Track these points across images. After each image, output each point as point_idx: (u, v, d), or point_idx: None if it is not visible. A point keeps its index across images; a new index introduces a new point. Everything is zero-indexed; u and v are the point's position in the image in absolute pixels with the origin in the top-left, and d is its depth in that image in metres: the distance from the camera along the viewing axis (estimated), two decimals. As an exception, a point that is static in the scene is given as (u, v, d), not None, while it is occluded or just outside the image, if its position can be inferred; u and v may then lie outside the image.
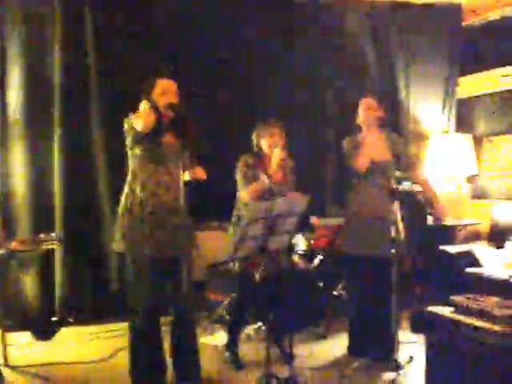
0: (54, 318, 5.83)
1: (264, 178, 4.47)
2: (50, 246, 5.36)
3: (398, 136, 4.85)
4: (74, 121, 5.90)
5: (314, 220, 5.97)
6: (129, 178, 4.02)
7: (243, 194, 4.60)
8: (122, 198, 4.01)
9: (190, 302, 4.14)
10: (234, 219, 4.71)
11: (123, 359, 4.33)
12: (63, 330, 5.66)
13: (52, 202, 5.89)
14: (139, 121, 3.77)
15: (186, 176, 4.20)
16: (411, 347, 4.81)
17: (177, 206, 3.93)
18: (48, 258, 5.80)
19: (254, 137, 4.78)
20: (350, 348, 4.81)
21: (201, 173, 4.22)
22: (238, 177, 4.65)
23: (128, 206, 3.95)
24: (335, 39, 7.11)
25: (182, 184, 4.05)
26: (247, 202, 4.55)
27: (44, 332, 5.56)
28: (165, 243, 3.94)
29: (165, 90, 3.94)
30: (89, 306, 5.98)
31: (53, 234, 5.24)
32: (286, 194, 4.67)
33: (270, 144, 4.64)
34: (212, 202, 5.37)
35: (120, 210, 4.00)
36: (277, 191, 4.62)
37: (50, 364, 4.82)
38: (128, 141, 3.97)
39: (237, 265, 4.64)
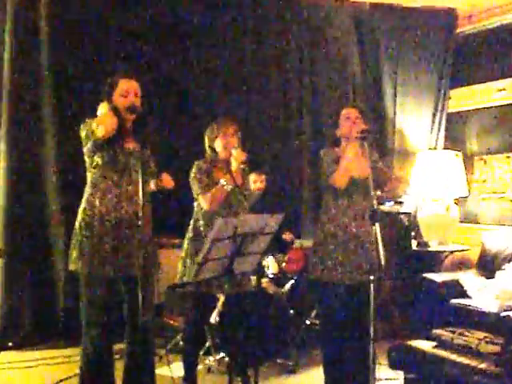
0: (-9, 342, 5.76)
1: (223, 183, 4.40)
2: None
3: (374, 152, 4.82)
4: (22, 127, 5.88)
5: (286, 236, 5.97)
6: (87, 189, 3.98)
7: (202, 202, 4.52)
8: (79, 212, 3.96)
9: (149, 327, 4.10)
10: (191, 232, 4.63)
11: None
12: (2, 354, 5.58)
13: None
14: (101, 125, 3.75)
15: (152, 185, 4.17)
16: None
17: (141, 220, 3.84)
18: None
19: (206, 138, 4.71)
20: None
21: (168, 181, 4.18)
22: (194, 185, 4.56)
23: (86, 220, 3.91)
24: (317, 43, 7.20)
25: (146, 195, 3.96)
26: (207, 211, 4.50)
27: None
28: (127, 262, 3.90)
29: (126, 91, 3.92)
30: (31, 329, 5.92)
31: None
32: (248, 197, 4.65)
33: (226, 145, 4.59)
34: (172, 217, 5.34)
35: (77, 225, 3.96)
36: (238, 197, 4.59)
37: (-14, 393, 4.78)
38: (86, 148, 3.93)
39: (198, 287, 4.57)
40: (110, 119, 3.79)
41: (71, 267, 3.97)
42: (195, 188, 4.56)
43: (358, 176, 4.50)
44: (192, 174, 4.58)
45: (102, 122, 3.76)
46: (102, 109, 3.90)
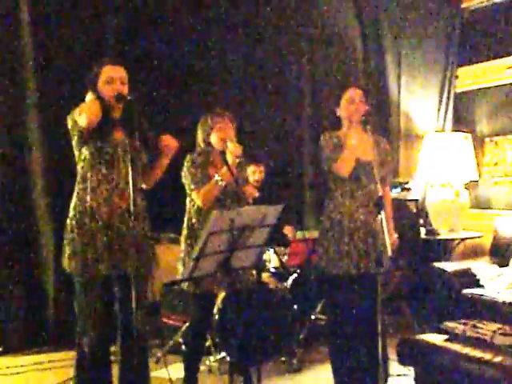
0: (-21, 347, 5.77)
1: (218, 178, 4.39)
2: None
3: (381, 136, 4.77)
4: (4, 116, 5.86)
5: (287, 230, 5.96)
6: (77, 184, 3.97)
7: (195, 198, 4.51)
8: (71, 209, 3.95)
9: (144, 327, 4.09)
10: (185, 230, 4.62)
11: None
12: (-10, 360, 5.59)
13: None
14: (82, 116, 3.73)
15: (142, 184, 4.14)
16: (399, 381, 4.81)
17: (134, 214, 3.79)
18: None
19: (200, 130, 4.67)
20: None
21: (171, 141, 4.10)
22: (187, 180, 4.54)
23: (77, 217, 3.90)
24: (316, 21, 7.18)
25: (138, 189, 3.98)
26: (199, 207, 4.49)
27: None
28: (121, 259, 3.89)
29: (111, 78, 3.90)
30: (20, 334, 5.91)
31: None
32: (242, 195, 4.60)
33: (221, 137, 4.52)
34: (168, 211, 5.33)
35: (68, 221, 3.94)
36: (231, 192, 4.56)
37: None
38: (74, 141, 3.93)
39: (195, 285, 4.57)
40: (92, 108, 3.76)
41: (64, 266, 3.96)
42: (188, 183, 4.54)
43: (363, 160, 4.46)
44: (185, 168, 4.56)
45: (83, 111, 3.74)
46: (88, 98, 3.88)
